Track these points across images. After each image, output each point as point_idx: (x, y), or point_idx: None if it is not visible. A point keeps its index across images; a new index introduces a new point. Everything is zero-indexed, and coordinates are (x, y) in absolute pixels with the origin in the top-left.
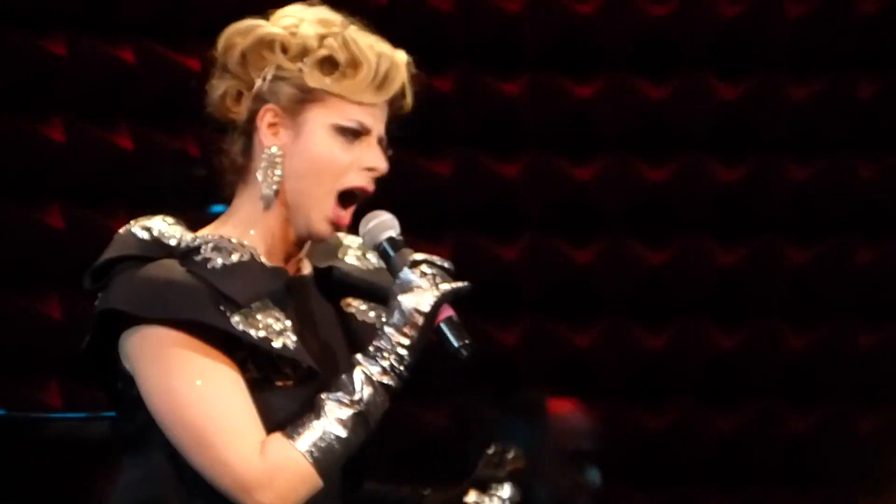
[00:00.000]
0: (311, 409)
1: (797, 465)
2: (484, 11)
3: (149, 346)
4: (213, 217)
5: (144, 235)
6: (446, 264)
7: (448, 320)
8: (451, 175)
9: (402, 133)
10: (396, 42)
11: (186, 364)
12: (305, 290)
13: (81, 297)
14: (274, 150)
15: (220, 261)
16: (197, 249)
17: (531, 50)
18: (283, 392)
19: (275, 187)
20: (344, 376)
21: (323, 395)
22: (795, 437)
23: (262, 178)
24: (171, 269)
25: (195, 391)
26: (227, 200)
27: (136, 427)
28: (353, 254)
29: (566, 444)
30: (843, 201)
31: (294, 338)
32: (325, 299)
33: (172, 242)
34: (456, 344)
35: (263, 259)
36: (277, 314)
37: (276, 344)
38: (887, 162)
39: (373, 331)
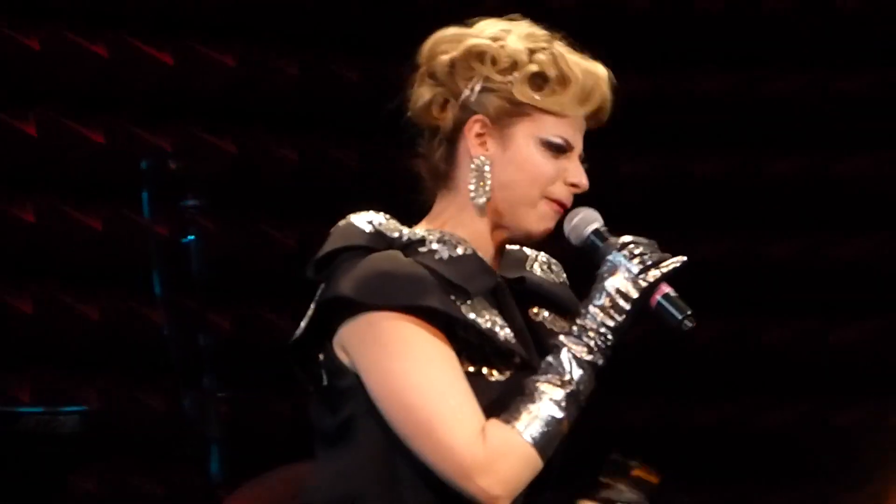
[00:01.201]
0: (523, 393)
1: (775, 461)
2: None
3: (376, 332)
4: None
5: (367, 227)
6: (655, 244)
7: (665, 297)
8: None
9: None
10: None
11: (413, 348)
12: (504, 294)
13: (53, 290)
14: (483, 160)
15: (446, 252)
16: (422, 241)
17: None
18: (493, 385)
19: (486, 197)
20: (550, 358)
21: (533, 378)
22: (773, 432)
23: (474, 188)
24: (398, 258)
25: (421, 375)
26: (427, 205)
27: (340, 421)
28: (540, 266)
29: None
30: (820, 197)
31: (511, 332)
32: (516, 307)
33: (395, 234)
34: (679, 317)
35: (480, 255)
36: (491, 310)
37: (500, 336)
38: (862, 158)
39: None
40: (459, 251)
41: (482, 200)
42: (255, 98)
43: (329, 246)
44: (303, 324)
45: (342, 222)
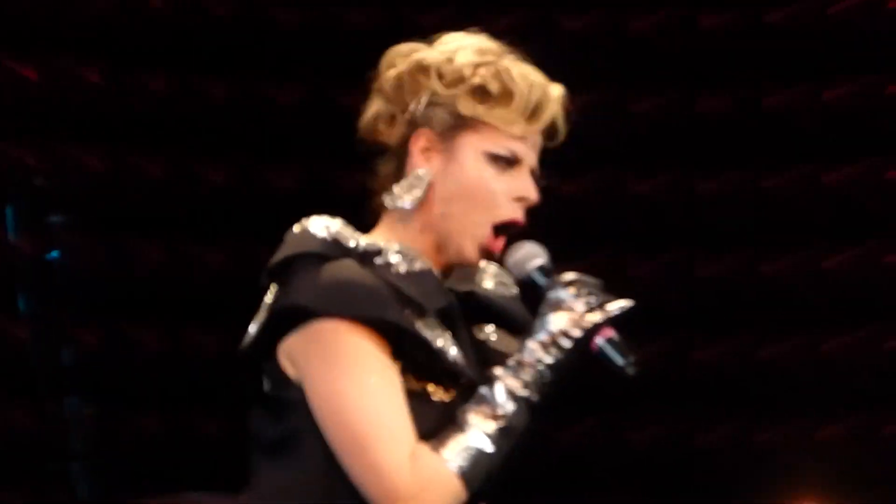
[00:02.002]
0: (454, 422)
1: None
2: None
3: (322, 343)
4: None
5: (323, 234)
6: (600, 284)
7: (609, 341)
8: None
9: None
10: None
11: (356, 364)
12: (455, 313)
13: None
14: (421, 172)
15: (404, 266)
16: (378, 252)
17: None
18: (436, 406)
19: (412, 200)
20: (483, 390)
21: (465, 409)
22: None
23: (402, 191)
24: (355, 268)
25: (361, 393)
26: (372, 222)
27: (282, 432)
28: (491, 280)
29: None
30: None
31: (460, 353)
32: (463, 323)
33: (351, 243)
34: (621, 363)
35: (435, 271)
36: (442, 328)
37: (450, 355)
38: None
39: (505, 360)
40: (417, 266)
41: (405, 203)
42: (121, 114)
43: (283, 252)
44: (252, 329)
45: (297, 227)
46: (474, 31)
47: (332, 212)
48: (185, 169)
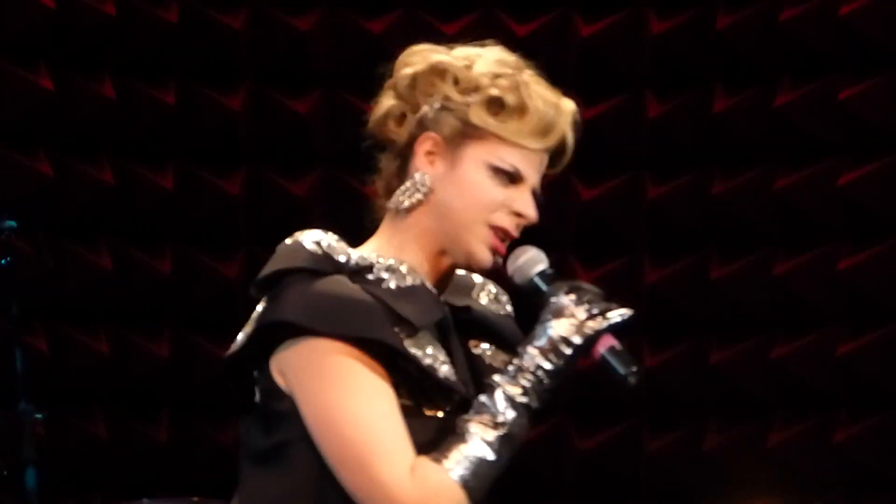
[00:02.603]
0: (454, 432)
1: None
2: (275, 29)
3: (317, 360)
4: None
5: (314, 248)
6: (602, 293)
7: (611, 350)
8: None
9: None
10: (188, 60)
11: (352, 380)
12: (449, 327)
13: None
14: (422, 176)
15: (394, 283)
16: (370, 268)
17: (321, 67)
18: (429, 421)
19: (406, 204)
20: (483, 398)
21: (465, 418)
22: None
23: (401, 194)
24: (345, 285)
25: (357, 408)
26: (375, 223)
27: (273, 443)
28: (487, 296)
29: None
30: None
31: (452, 369)
32: (457, 337)
33: (342, 259)
34: (622, 372)
35: (429, 285)
36: (435, 344)
37: (441, 373)
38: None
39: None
40: (409, 281)
41: (401, 205)
42: (69, 119)
43: (274, 265)
44: (240, 339)
45: (289, 240)
46: (492, 43)
47: (281, 216)
48: (132, 175)
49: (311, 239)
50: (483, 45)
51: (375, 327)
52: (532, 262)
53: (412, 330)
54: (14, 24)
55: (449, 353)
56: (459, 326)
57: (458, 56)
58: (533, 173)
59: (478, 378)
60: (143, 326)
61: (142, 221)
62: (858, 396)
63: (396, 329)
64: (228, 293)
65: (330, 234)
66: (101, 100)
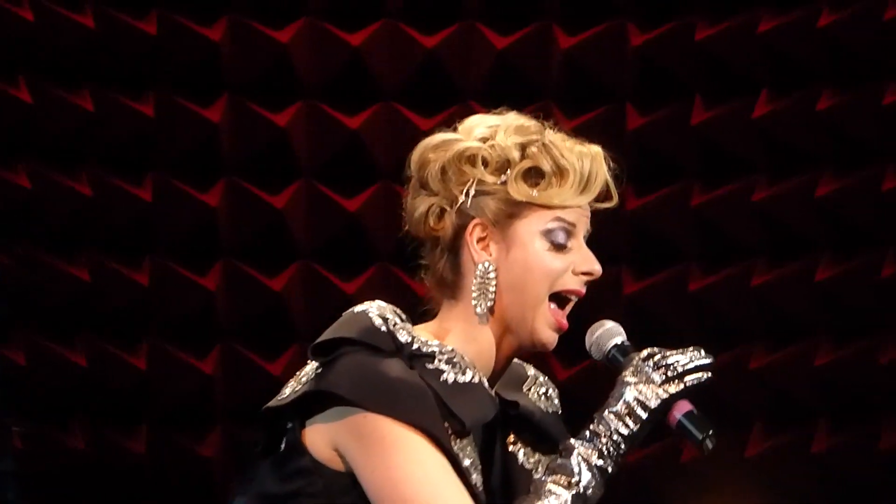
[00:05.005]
0: (531, 491)
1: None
2: (254, 41)
3: (378, 432)
4: None
5: (380, 324)
6: (684, 360)
7: (687, 414)
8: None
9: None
10: (166, 72)
11: (413, 451)
12: (494, 427)
13: None
14: (487, 266)
15: (452, 376)
16: (431, 356)
17: (301, 79)
18: None
19: (490, 303)
20: (560, 459)
21: (542, 478)
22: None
23: (477, 295)
24: (403, 369)
25: (426, 477)
26: (432, 314)
27: (286, 491)
28: (538, 391)
29: None
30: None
31: (480, 478)
32: (500, 430)
33: (406, 339)
34: (699, 437)
35: (486, 382)
36: (472, 444)
37: (472, 479)
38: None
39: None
40: (467, 377)
41: (484, 308)
42: (48, 132)
43: (337, 332)
44: (286, 393)
45: (358, 309)
46: (500, 112)
47: (260, 229)
48: (111, 188)
49: (378, 313)
50: (496, 114)
51: (426, 417)
52: (608, 335)
53: (461, 428)
54: None
55: (490, 449)
56: (505, 419)
57: (475, 135)
58: (582, 220)
59: (507, 475)
60: (121, 339)
61: (120, 234)
62: (838, 407)
63: (446, 424)
64: (207, 306)
65: (397, 310)
66: (80, 112)
